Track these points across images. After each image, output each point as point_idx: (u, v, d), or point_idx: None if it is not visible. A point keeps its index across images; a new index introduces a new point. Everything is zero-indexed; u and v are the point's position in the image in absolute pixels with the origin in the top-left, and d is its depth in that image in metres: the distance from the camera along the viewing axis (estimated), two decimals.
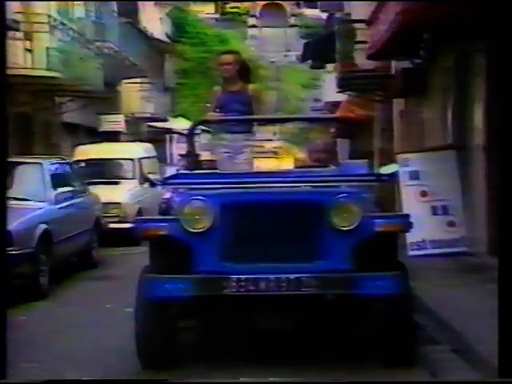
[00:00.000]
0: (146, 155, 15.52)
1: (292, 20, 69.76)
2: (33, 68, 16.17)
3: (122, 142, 23.13)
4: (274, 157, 27.10)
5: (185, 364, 5.31)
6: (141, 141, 20.22)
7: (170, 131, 34.56)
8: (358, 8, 17.60)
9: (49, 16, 16.64)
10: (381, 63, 14.99)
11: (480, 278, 7.94)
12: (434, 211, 9.87)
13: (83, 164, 13.74)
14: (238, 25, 66.76)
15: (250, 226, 5.00)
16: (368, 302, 5.09)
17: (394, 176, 6.20)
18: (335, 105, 24.54)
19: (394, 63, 14.40)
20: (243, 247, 4.97)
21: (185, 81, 42.07)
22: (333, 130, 27.20)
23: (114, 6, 24.73)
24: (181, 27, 42.80)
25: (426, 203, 9.89)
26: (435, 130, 11.82)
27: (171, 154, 35.03)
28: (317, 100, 41.73)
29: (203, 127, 7.59)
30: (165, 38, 35.21)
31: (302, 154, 33.98)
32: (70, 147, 19.54)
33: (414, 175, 10.05)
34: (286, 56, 63.96)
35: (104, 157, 14.57)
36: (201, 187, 5.35)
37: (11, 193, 8.83)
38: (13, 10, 14.48)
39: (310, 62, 26.54)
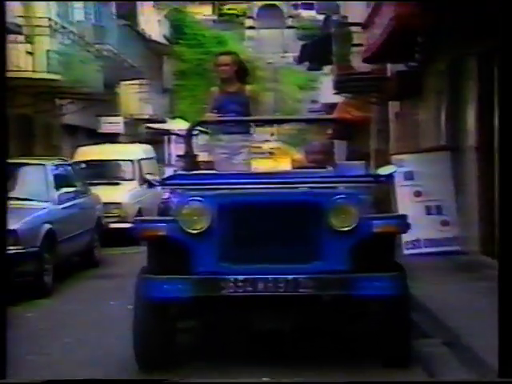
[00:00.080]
0: (146, 156, 15.70)
1: (289, 21, 69.86)
2: (34, 71, 16.32)
3: (121, 143, 23.34)
4: (272, 157, 27.16)
5: (183, 365, 5.30)
6: (140, 142, 20.40)
7: (168, 132, 34.76)
8: (355, 11, 17.80)
9: (49, 19, 16.81)
10: (377, 66, 15.17)
11: (472, 276, 8.13)
12: (428, 211, 10.03)
13: (84, 165, 13.89)
14: (236, 26, 66.86)
15: (248, 226, 5.00)
16: (366, 302, 5.10)
17: (391, 177, 5.96)
18: (332, 106, 24.71)
19: (389, 66, 14.55)
20: (241, 248, 4.96)
21: (182, 82, 42.20)
22: (330, 131, 27.38)
23: (113, 8, 24.94)
24: (178, 29, 42.95)
25: (420, 203, 10.04)
26: (429, 131, 11.99)
27: (169, 155, 35.20)
28: (314, 101, 41.90)
29: (201, 128, 7.60)
30: (163, 40, 35.36)
31: (299, 155, 34.08)
32: (70, 148, 19.74)
33: (409, 176, 10.19)
34: (283, 57, 64.01)
35: (104, 158, 14.75)
36: (199, 188, 5.34)
37: (16, 193, 9.12)
38: (15, 14, 14.68)
39: (307, 63, 26.72)
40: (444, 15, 8.28)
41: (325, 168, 7.20)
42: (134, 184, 14.31)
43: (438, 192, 10.05)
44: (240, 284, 4.85)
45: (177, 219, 4.95)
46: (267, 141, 37.42)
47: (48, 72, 16.45)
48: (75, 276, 9.95)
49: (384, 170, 5.72)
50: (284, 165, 25.32)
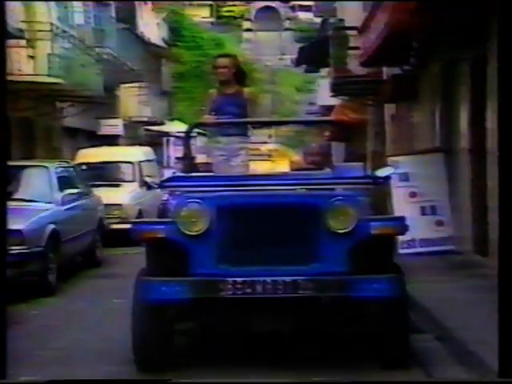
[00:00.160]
0: (146, 158, 15.85)
1: (287, 24, 69.97)
2: (35, 74, 16.51)
3: (121, 145, 23.56)
4: (270, 159, 27.31)
5: (182, 366, 5.29)
6: (140, 144, 20.59)
7: (166, 134, 34.95)
8: (351, 14, 18.02)
9: (51, 24, 17.01)
10: (373, 69, 15.37)
11: (466, 274, 8.31)
12: (423, 211, 10.19)
13: (85, 167, 14.07)
14: (233, 28, 66.93)
15: (247, 228, 4.98)
16: (364, 304, 5.08)
17: (389, 179, 5.98)
18: (329, 108, 24.93)
19: (385, 69, 14.76)
20: (240, 250, 4.94)
21: (180, 84, 42.33)
22: (327, 133, 27.58)
23: (112, 12, 25.16)
24: (177, 31, 43.07)
25: (415, 204, 10.19)
26: (424, 133, 12.18)
27: (168, 157, 35.40)
28: (311, 103, 42.09)
29: (199, 130, 7.59)
30: (161, 43, 35.52)
31: (297, 157, 34.30)
32: (70, 151, 19.96)
33: (404, 177, 10.29)
34: (280, 59, 64.10)
35: (105, 160, 14.92)
36: (197, 190, 5.32)
37: (21, 194, 9.35)
38: (17, 18, 14.89)
39: (304, 66, 26.92)
40: (437, 21, 8.49)
41: (323, 170, 7.22)
42: (135, 186, 14.46)
43: (433, 193, 10.21)
44: (238, 286, 4.84)
45: (175, 221, 4.93)
46: (265, 143, 37.65)
47: (49, 75, 16.63)
48: (78, 275, 10.13)
49: (382, 172, 5.74)
50: (282, 166, 25.53)
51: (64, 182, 10.10)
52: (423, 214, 10.17)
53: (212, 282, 4.86)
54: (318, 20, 30.86)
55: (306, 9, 61.29)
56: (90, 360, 5.74)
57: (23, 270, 7.98)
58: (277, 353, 5.60)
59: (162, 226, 4.98)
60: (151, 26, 33.39)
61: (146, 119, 30.47)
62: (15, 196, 9.18)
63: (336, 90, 18.51)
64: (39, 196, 9.43)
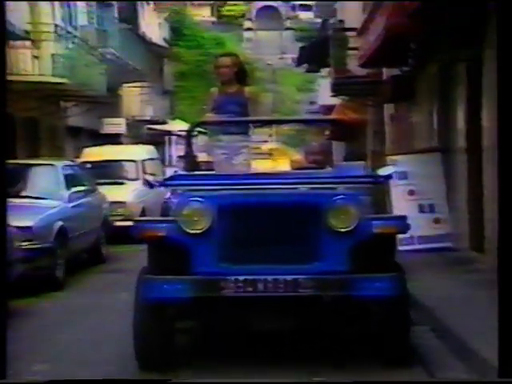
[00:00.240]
0: (149, 157, 16.08)
1: (287, 23, 70.15)
2: (40, 74, 16.73)
3: (123, 144, 23.77)
4: (270, 158, 27.47)
5: (182, 365, 5.29)
6: (143, 143, 20.80)
7: (168, 133, 35.15)
8: (351, 15, 18.22)
9: (56, 25, 17.23)
10: (372, 70, 15.55)
11: (462, 270, 8.50)
12: (421, 209, 10.37)
13: (89, 165, 14.28)
14: (234, 28, 67.10)
15: (248, 227, 4.97)
16: (365, 303, 5.08)
17: (390, 178, 5.90)
18: (329, 108, 25.11)
19: (385, 70, 14.89)
20: (241, 248, 4.93)
21: (182, 83, 42.48)
22: (327, 132, 27.77)
23: (115, 12, 25.39)
24: (178, 31, 43.20)
25: (414, 201, 10.37)
26: (422, 133, 12.36)
27: (170, 156, 35.62)
28: (312, 103, 42.24)
29: (200, 129, 7.60)
30: (163, 43, 35.72)
31: (298, 156, 34.47)
32: (74, 149, 20.23)
33: (403, 175, 10.44)
34: (281, 58, 64.25)
35: (109, 159, 15.12)
36: (199, 188, 5.31)
37: (30, 192, 9.60)
38: (23, 20, 15.11)
39: (305, 65, 27.09)
40: (434, 24, 8.68)
41: (325, 168, 7.28)
42: (138, 184, 14.67)
43: (431, 191, 10.39)
44: (240, 284, 4.83)
45: (177, 220, 4.92)
46: (266, 141, 37.82)
47: (53, 75, 16.84)
48: (84, 271, 10.36)
49: (383, 171, 5.77)
50: (283, 165, 25.70)
51: (71, 180, 10.32)
52: (421, 211, 10.33)
53: (213, 280, 4.85)
54: (319, 20, 31.00)
55: (307, 8, 61.40)
56: (92, 356, 5.87)
57: (33, 265, 8.18)
58: (278, 352, 5.59)
59: (164, 225, 4.98)
60: (153, 25, 33.58)
61: (148, 118, 30.67)
62: (24, 193, 9.45)
63: (336, 90, 18.71)
64: (47, 193, 9.66)
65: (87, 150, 16.09)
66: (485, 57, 8.47)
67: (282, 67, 61.36)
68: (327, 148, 30.17)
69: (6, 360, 4.14)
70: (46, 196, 9.60)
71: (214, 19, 66.74)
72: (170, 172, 15.51)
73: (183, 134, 21.23)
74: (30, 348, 6.17)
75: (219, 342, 5.91)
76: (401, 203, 10.20)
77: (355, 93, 18.10)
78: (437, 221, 10.33)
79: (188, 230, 4.89)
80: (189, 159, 6.72)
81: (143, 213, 13.45)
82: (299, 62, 26.13)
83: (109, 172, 14.57)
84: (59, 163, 10.55)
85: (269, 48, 64.98)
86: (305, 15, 63.43)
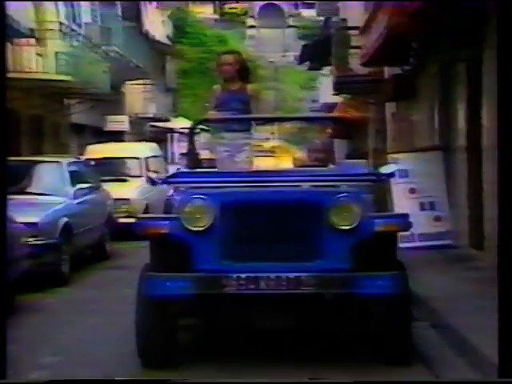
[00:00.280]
0: (152, 154, 16.19)
1: (290, 21, 70.20)
2: (44, 72, 16.85)
3: (126, 141, 23.90)
4: (273, 156, 27.59)
5: (185, 362, 5.29)
6: (146, 141, 20.92)
7: (171, 130, 35.27)
8: (354, 14, 18.30)
9: (60, 23, 17.35)
10: (374, 68, 15.65)
11: (462, 267, 8.60)
12: (422, 207, 10.41)
13: (93, 162, 14.37)
14: (237, 25, 67.18)
15: (250, 224, 4.97)
16: (367, 301, 5.06)
17: (393, 176, 5.85)
18: (331, 106, 25.21)
19: (386, 68, 15.01)
20: (243, 246, 4.94)
21: (184, 81, 42.58)
22: (329, 130, 27.88)
23: (119, 10, 25.51)
24: (181, 28, 43.29)
25: (415, 199, 10.42)
26: (423, 131, 12.43)
27: (173, 153, 35.75)
28: (314, 101, 42.29)
29: (203, 126, 7.61)
30: (166, 41, 35.80)
31: (300, 154, 34.59)
32: (77, 146, 20.37)
33: (404, 174, 10.42)
34: (283, 56, 64.31)
35: (113, 156, 15.23)
36: (201, 186, 5.30)
37: (36, 188, 9.72)
38: (28, 18, 15.24)
39: (307, 63, 27.20)
40: (435, 24, 8.79)
41: (327, 166, 7.25)
42: (142, 181, 14.77)
43: (431, 189, 10.45)
44: (242, 282, 4.83)
45: (179, 217, 4.92)
46: (268, 139, 37.94)
47: (57, 73, 16.95)
48: (88, 267, 10.46)
49: (386, 169, 5.76)
50: (285, 163, 25.87)
51: (76, 177, 10.40)
52: (422, 209, 10.39)
53: (215, 277, 4.86)
54: (321, 18, 31.09)
55: (309, 6, 61.45)
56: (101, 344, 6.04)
57: (38, 261, 8.27)
58: (279, 350, 5.58)
59: (166, 222, 4.97)
60: (156, 23, 33.66)
61: (151, 116, 30.79)
62: (30, 190, 9.57)
63: (338, 88, 18.81)
64: (53, 190, 9.75)
65: (91, 147, 16.19)
66: (485, 57, 8.55)
67: (284, 65, 61.42)
68: (329, 146, 30.25)
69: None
70: (51, 192, 9.70)
71: (216, 17, 66.85)
72: (172, 169, 15.63)
73: (186, 131, 21.32)
74: (38, 342, 6.31)
75: (221, 339, 5.91)
76: (402, 201, 10.23)
77: (357, 91, 18.19)
78: (437, 219, 10.40)
79: (190, 228, 4.90)
80: (191, 157, 6.71)
81: (147, 209, 13.54)
82: (301, 59, 26.27)
83: (112, 169, 14.66)
84: (65, 160, 10.64)
85: (271, 46, 65.05)
86: (307, 13, 63.47)
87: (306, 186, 5.37)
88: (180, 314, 5.29)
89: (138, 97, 29.46)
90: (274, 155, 28.19)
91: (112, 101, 22.82)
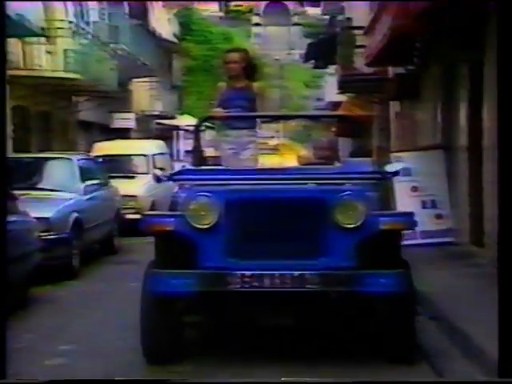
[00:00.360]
0: (159, 152, 16.40)
1: (295, 19, 70.14)
2: (53, 70, 17.05)
3: (133, 138, 24.12)
4: (278, 154, 27.70)
5: (189, 359, 5.30)
6: (152, 138, 21.13)
7: (177, 128, 35.44)
8: (359, 13, 18.43)
9: (70, 22, 17.56)
10: (378, 68, 15.80)
11: (463, 263, 8.76)
12: (424, 205, 10.55)
13: (101, 159, 14.57)
14: (242, 23, 67.08)
15: (255, 222, 4.97)
16: (371, 299, 5.05)
17: (398, 174, 5.77)
18: (336, 105, 25.35)
19: (391, 68, 15.10)
20: (248, 243, 4.94)
21: (190, 78, 42.68)
22: (334, 128, 27.96)
23: (126, 8, 25.71)
24: (186, 25, 43.39)
25: (417, 197, 10.55)
26: (426, 130, 12.55)
27: (178, 151, 35.93)
28: (319, 99, 42.37)
29: (208, 124, 7.68)
30: (172, 38, 35.94)
31: (304, 151, 34.65)
32: (85, 143, 20.59)
33: (406, 172, 10.50)
34: (289, 54, 64.23)
35: (120, 153, 15.46)
36: (206, 183, 5.31)
37: (47, 184, 9.96)
38: (38, 17, 15.45)
39: (312, 61, 27.32)
40: (437, 26, 8.95)
41: (332, 164, 7.21)
42: (149, 178, 14.95)
43: (433, 188, 10.58)
44: (247, 279, 4.84)
45: (184, 214, 4.92)
46: (273, 137, 38.03)
47: (66, 71, 17.17)
48: (97, 261, 10.67)
49: (391, 168, 5.74)
50: (290, 161, 25.90)
51: (85, 174, 10.61)
52: (424, 207, 10.52)
53: (220, 275, 4.87)
54: (326, 16, 31.21)
55: (315, 4, 61.43)
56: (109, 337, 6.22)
57: (50, 255, 8.46)
58: (283, 348, 5.61)
59: (171, 219, 4.98)
60: (163, 21, 33.82)
61: (157, 113, 30.96)
62: (42, 186, 9.81)
63: (343, 87, 18.94)
64: (63, 186, 9.97)
65: (99, 145, 16.35)
66: (486, 59, 8.67)
67: (289, 63, 61.34)
68: (334, 144, 30.27)
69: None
70: (62, 188, 9.90)
71: (221, 14, 66.81)
72: (178, 166, 15.81)
73: (191, 128, 21.55)
74: (52, 331, 6.53)
75: (226, 336, 5.94)
76: (404, 199, 10.26)
77: (361, 90, 18.30)
78: (438, 216, 10.53)
79: (195, 225, 4.91)
80: (196, 154, 6.71)
81: (153, 206, 13.74)
82: (307, 58, 26.34)
83: (120, 166, 14.86)
84: (75, 157, 10.86)
85: (276, 43, 64.93)
86: (313, 11, 63.46)
87: (310, 183, 5.37)
88: (185, 311, 5.31)
89: (145, 94, 29.64)
90: (279, 153, 28.24)
91: (119, 98, 23.01)
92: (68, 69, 17.11)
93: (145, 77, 27.63)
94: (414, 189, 10.66)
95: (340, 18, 23.27)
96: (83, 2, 20.76)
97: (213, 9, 63.96)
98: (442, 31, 9.26)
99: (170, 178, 5.81)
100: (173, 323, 5.16)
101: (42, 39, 16.28)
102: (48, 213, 8.80)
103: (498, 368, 4.01)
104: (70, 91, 19.01)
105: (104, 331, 6.48)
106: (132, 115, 26.14)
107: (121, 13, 24.35)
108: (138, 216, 12.88)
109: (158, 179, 6.12)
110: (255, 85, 6.85)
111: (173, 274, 4.91)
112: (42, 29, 15.74)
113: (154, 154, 15.79)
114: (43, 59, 16.89)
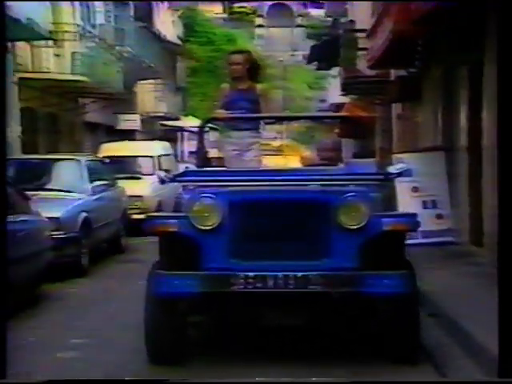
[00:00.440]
0: (164, 153, 16.62)
1: (298, 20, 70.26)
2: (60, 73, 17.28)
3: (138, 139, 24.33)
4: (281, 155, 27.86)
5: (192, 359, 5.32)
6: (157, 139, 21.34)
7: (181, 129, 35.63)
8: (362, 15, 18.62)
9: (77, 25, 17.77)
10: (381, 70, 15.97)
11: (462, 262, 8.89)
12: (425, 205, 10.63)
13: (108, 160, 14.78)
14: (246, 24, 67.17)
15: (259, 223, 4.97)
16: (375, 300, 5.05)
17: (401, 175, 5.74)
18: (339, 106, 25.53)
19: (393, 70, 15.25)
20: (251, 244, 4.94)
21: (194, 79, 42.82)
22: (338, 129, 28.15)
23: (131, 11, 25.93)
24: (189, 27, 43.53)
25: (417, 198, 10.62)
26: (427, 132, 12.70)
27: (182, 152, 36.13)
28: (322, 101, 42.52)
29: (212, 125, 7.59)
30: (177, 41, 36.09)
31: (307, 153, 34.81)
32: (91, 144, 20.82)
33: (407, 173, 10.92)
34: (292, 55, 64.33)
35: (127, 154, 15.68)
36: (210, 184, 5.31)
37: (56, 185, 10.19)
38: (46, 21, 15.67)
39: (316, 63, 27.48)
40: (438, 30, 9.13)
41: (335, 165, 7.35)
42: (154, 179, 15.13)
43: (434, 188, 10.67)
44: (250, 280, 4.83)
45: (188, 215, 4.92)
46: (276, 138, 38.19)
47: (73, 73, 17.37)
48: (105, 260, 10.87)
49: (394, 168, 5.74)
50: (293, 162, 26.09)
51: (93, 174, 10.82)
52: (424, 207, 10.59)
53: (224, 276, 4.86)
54: (330, 18, 31.36)
55: (318, 5, 61.54)
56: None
57: (60, 253, 8.65)
58: (285, 349, 5.61)
59: (175, 221, 4.98)
60: (167, 23, 34.00)
61: (161, 114, 31.14)
62: (51, 186, 10.04)
63: (346, 88, 19.12)
64: (72, 186, 10.18)
65: (105, 146, 16.55)
66: (486, 60, 8.79)
67: (292, 64, 61.44)
68: (337, 145, 30.48)
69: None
70: (71, 189, 10.11)
71: (225, 16, 66.92)
72: (182, 167, 15.99)
73: (195, 129, 21.73)
74: (63, 327, 6.75)
75: (229, 337, 5.96)
76: (405, 199, 10.25)
77: (364, 92, 18.47)
78: (439, 216, 10.62)
79: (199, 226, 4.91)
80: (200, 155, 6.71)
81: (159, 206, 13.91)
82: (310, 60, 26.47)
83: (126, 167, 15.04)
84: (83, 158, 11.06)
85: (280, 45, 65.03)
86: (316, 13, 63.57)
87: (314, 185, 5.33)
88: (188, 311, 5.33)
89: (149, 96, 29.83)
90: (282, 154, 28.38)
91: (124, 100, 23.22)
92: (75, 71, 17.32)
93: (150, 79, 27.83)
94: (415, 189, 10.74)
95: (343, 20, 23.45)
96: (90, 5, 20.97)
97: (216, 10, 64.07)
98: (442, 34, 9.41)
99: (174, 179, 5.87)
100: (176, 324, 5.19)
101: (50, 42, 16.48)
102: (58, 212, 9.01)
103: (498, 368, 4.03)
104: (76, 93, 19.23)
105: (113, 326, 6.65)
106: (137, 116, 26.34)
107: (126, 15, 24.55)
108: (143, 216, 13.13)
109: (161, 181, 6.16)
110: (258, 86, 6.91)
111: (176, 274, 4.93)
112: (50, 32, 15.96)
113: (159, 155, 16.00)
114: (51, 62, 17.11)
